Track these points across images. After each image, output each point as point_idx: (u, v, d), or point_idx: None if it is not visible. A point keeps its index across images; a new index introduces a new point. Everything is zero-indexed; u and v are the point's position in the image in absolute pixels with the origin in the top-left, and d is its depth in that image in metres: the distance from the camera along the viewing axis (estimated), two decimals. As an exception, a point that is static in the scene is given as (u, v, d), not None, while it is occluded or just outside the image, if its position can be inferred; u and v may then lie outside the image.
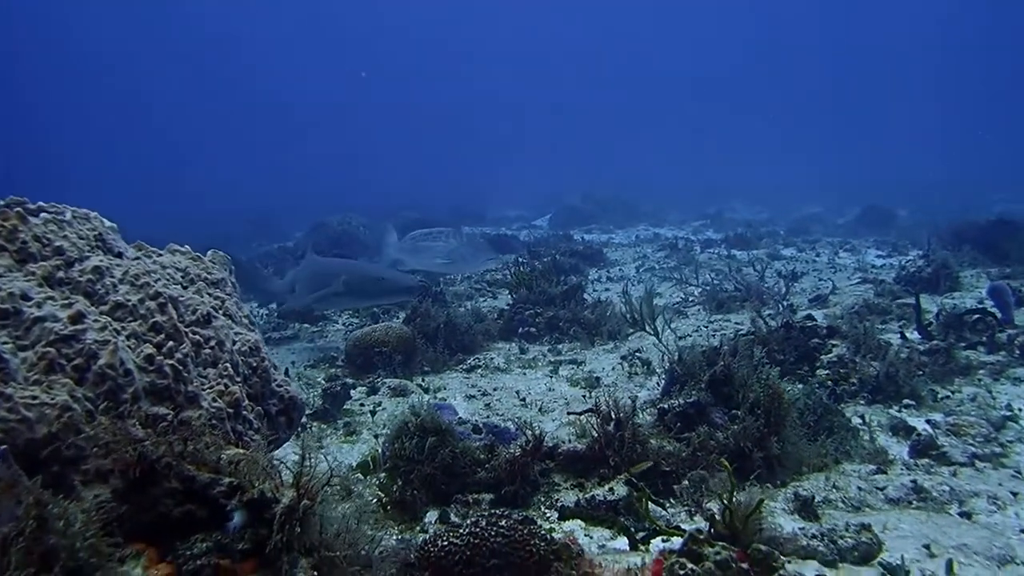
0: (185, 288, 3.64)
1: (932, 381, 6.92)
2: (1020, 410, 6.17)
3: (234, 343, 3.57)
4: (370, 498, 5.01)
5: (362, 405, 7.54)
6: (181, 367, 2.97)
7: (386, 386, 8.09)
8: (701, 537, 3.33)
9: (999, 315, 8.29)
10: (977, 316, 8.22)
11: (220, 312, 3.69)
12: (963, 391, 6.76)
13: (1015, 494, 4.65)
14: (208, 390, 3.09)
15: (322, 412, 7.19)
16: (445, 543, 3.59)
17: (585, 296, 11.25)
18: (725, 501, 3.66)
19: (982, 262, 12.80)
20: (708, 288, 11.70)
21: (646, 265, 16.91)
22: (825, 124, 75.68)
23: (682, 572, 3.09)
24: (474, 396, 7.77)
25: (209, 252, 4.12)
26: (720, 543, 3.33)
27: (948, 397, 6.59)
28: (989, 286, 9.19)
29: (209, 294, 3.75)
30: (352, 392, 7.82)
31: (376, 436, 6.58)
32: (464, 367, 8.96)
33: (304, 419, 7.08)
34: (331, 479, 3.01)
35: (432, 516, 4.68)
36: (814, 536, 3.80)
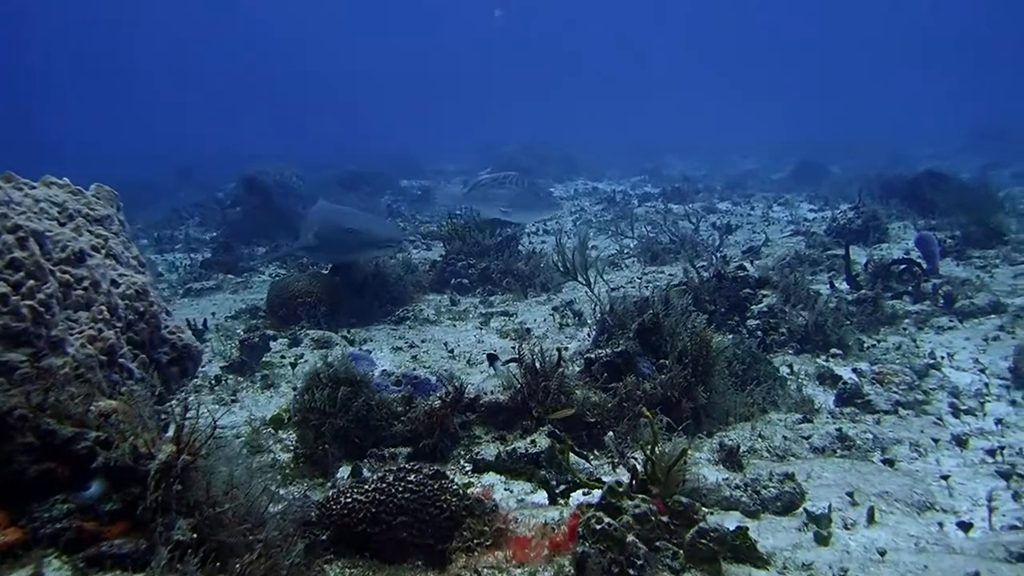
0: (63, 225, 3.28)
1: (859, 331, 6.92)
2: (942, 358, 6.20)
3: (116, 285, 3.24)
4: (277, 452, 4.77)
5: (283, 357, 7.22)
6: (43, 309, 2.65)
7: (309, 338, 7.77)
8: (620, 490, 3.17)
9: (925, 265, 8.35)
10: (904, 266, 8.27)
11: (102, 251, 3.34)
12: (889, 340, 6.78)
13: (936, 440, 4.64)
14: (77, 335, 2.77)
15: (239, 364, 6.85)
16: (349, 500, 3.37)
17: (520, 248, 11.02)
18: (647, 452, 3.51)
19: (909, 214, 12.95)
20: (643, 240, 11.58)
21: (583, 218, 16.75)
22: (772, 81, 76.14)
23: (598, 527, 2.93)
24: (401, 348, 7.52)
25: (93, 186, 3.74)
26: (640, 496, 3.18)
27: (874, 346, 6.59)
28: (916, 237, 9.26)
29: (90, 231, 3.39)
30: (272, 344, 7.48)
31: (295, 389, 6.29)
32: (393, 319, 8.69)
33: (219, 370, 6.76)
34: (215, 431, 2.73)
35: (345, 472, 4.44)
36: (737, 487, 3.70)
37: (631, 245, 12.16)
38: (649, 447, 3.53)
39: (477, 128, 51.75)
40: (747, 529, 3.02)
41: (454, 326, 8.35)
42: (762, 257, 10.33)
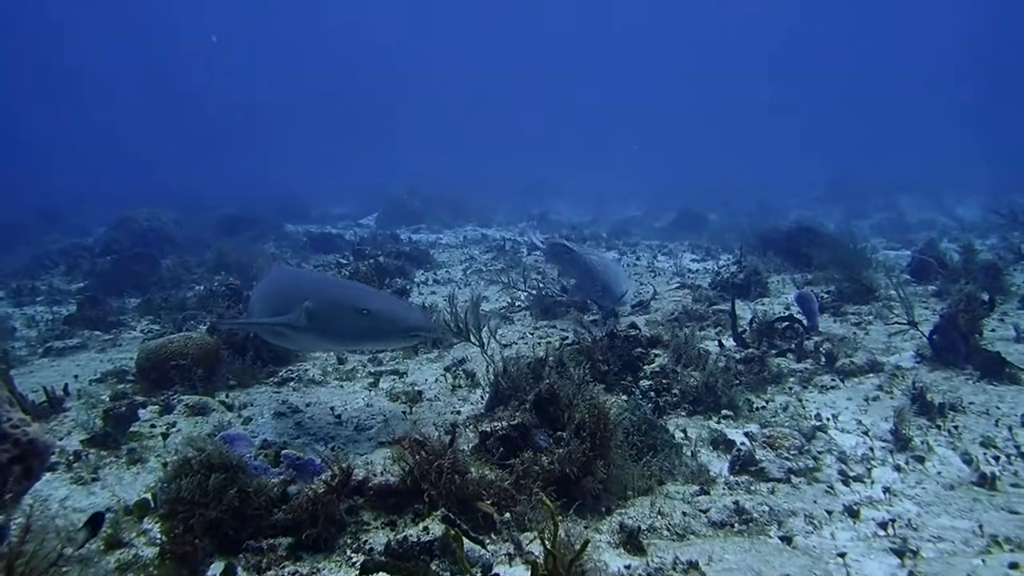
0: None
1: (748, 390, 7.01)
2: (828, 420, 6.33)
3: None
4: (140, 547, 4.32)
5: (153, 427, 6.68)
6: None
7: (183, 404, 7.23)
8: (521, 595, 2.96)
9: (805, 322, 8.62)
10: (786, 323, 8.51)
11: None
12: (776, 400, 6.89)
13: (829, 512, 4.66)
14: None
15: (103, 436, 6.27)
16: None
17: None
18: (547, 546, 3.33)
19: (787, 268, 13.49)
20: (534, 292, 11.54)
21: (473, 267, 16.65)
22: (650, 132, 79.16)
23: (500, 640, 2.71)
24: (284, 413, 7.11)
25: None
26: (542, 600, 2.98)
27: (763, 407, 6.68)
28: (796, 294, 9.57)
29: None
30: (141, 411, 6.92)
31: (165, 464, 5.78)
32: (275, 380, 8.24)
33: (79, 444, 6.16)
34: (61, 556, 2.36)
35: (216, 569, 4.04)
36: (641, 577, 3.55)
37: (522, 297, 12.10)
38: (549, 540, 3.35)
39: (363, 170, 51.29)
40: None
41: (341, 387, 7.99)
42: (651, 311, 10.46)
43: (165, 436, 6.44)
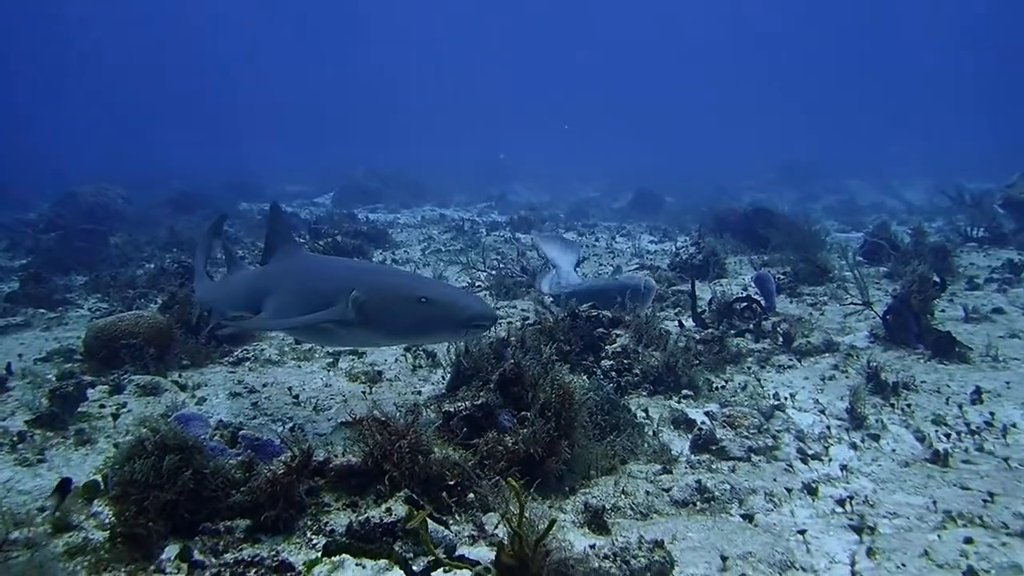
0: None
1: (708, 370, 7.07)
2: (786, 399, 6.41)
3: None
4: (90, 531, 4.19)
5: (102, 407, 6.49)
6: None
7: (134, 384, 7.04)
8: (489, 576, 2.93)
9: (763, 303, 8.71)
10: (745, 304, 8.59)
11: None
12: (735, 379, 6.96)
13: (789, 490, 4.71)
14: None
15: (49, 417, 6.07)
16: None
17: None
18: (513, 527, 3.30)
19: (743, 249, 13.65)
20: (495, 273, 11.48)
21: (432, 247, 16.52)
22: (609, 111, 79.37)
23: (468, 622, 2.68)
24: (239, 394, 6.98)
25: None
26: (510, 581, 2.95)
27: (723, 387, 6.74)
28: (754, 275, 9.68)
29: None
30: (90, 391, 6.73)
31: (116, 445, 5.62)
32: (231, 359, 8.07)
33: (24, 425, 5.96)
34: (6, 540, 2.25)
35: (171, 552, 3.93)
36: (606, 556, 3.54)
37: (482, 277, 12.03)
38: (515, 521, 3.32)
39: (319, 150, 50.49)
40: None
41: (299, 367, 7.87)
42: (611, 292, 10.47)
43: (115, 416, 6.27)
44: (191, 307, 8.50)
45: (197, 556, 3.94)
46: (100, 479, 4.80)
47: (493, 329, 5.75)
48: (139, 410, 6.45)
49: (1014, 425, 5.64)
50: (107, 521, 4.30)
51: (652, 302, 8.30)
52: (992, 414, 5.84)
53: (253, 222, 20.43)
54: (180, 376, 7.43)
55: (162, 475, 4.11)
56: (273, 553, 3.98)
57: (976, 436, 5.47)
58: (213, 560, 3.92)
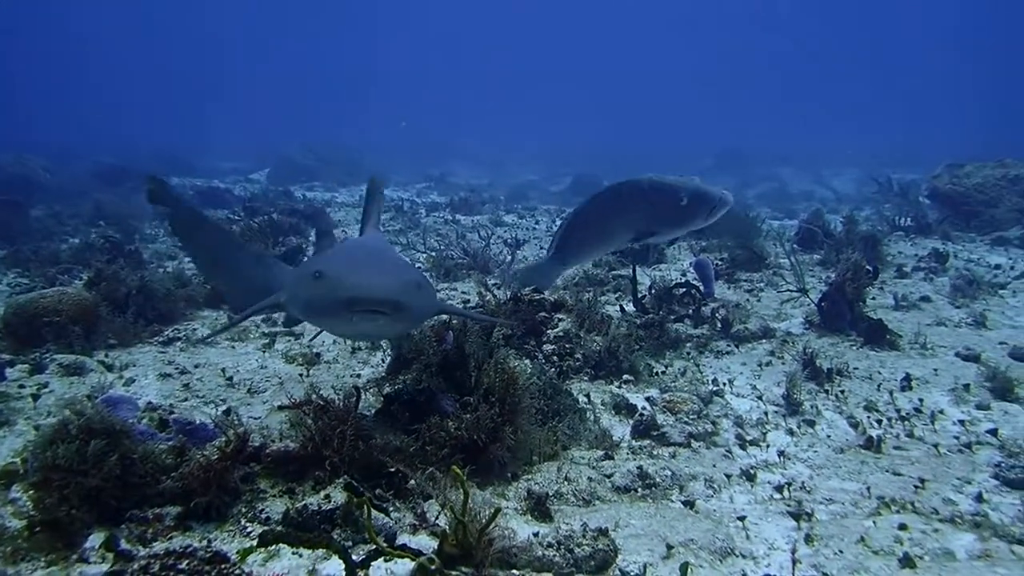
0: None
1: (648, 355, 7.11)
2: (724, 384, 6.49)
3: None
4: (6, 518, 3.98)
5: (21, 387, 6.19)
6: None
7: (56, 363, 6.74)
8: (432, 568, 2.86)
9: (702, 288, 8.80)
10: (684, 290, 8.66)
11: None
12: (675, 364, 7.02)
13: (728, 476, 4.76)
14: None
15: (-37, 398, 5.77)
16: (105, 597, 2.79)
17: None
18: (457, 515, 3.24)
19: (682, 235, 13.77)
20: (435, 254, 11.35)
21: (370, 226, 16.27)
22: (548, 96, 79.36)
23: (411, 615, 2.61)
24: (170, 375, 6.73)
25: None
26: (455, 572, 2.89)
27: (663, 372, 6.78)
28: (694, 261, 9.76)
29: None
30: (8, 371, 6.42)
31: (37, 428, 5.36)
32: (161, 339, 7.80)
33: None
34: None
35: (96, 540, 3.76)
36: (550, 544, 3.52)
37: (421, 259, 11.89)
38: (459, 510, 3.27)
39: (254, 127, 49.17)
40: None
41: (233, 348, 7.64)
42: (552, 276, 10.46)
43: (35, 397, 5.99)
44: (119, 284, 8.17)
45: (124, 545, 3.78)
46: (19, 463, 4.57)
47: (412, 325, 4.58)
48: (62, 391, 6.18)
49: (942, 411, 5.82)
50: (26, 508, 4.08)
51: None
52: (921, 400, 6.02)
53: (184, 197, 19.79)
54: (107, 356, 7.14)
55: (87, 460, 3.92)
56: (205, 543, 3.85)
57: (906, 422, 5.62)
58: (141, 549, 3.78)
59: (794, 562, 3.50)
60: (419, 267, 11.34)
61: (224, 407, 5.89)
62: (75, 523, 3.83)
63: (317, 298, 4.12)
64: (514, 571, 3.42)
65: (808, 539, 3.85)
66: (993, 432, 5.32)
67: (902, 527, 3.87)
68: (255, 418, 5.57)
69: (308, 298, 4.25)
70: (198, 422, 4.66)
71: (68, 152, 27.00)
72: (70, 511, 3.84)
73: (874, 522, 4.00)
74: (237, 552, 3.68)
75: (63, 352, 7.02)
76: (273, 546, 3.62)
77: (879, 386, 6.40)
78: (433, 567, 2.89)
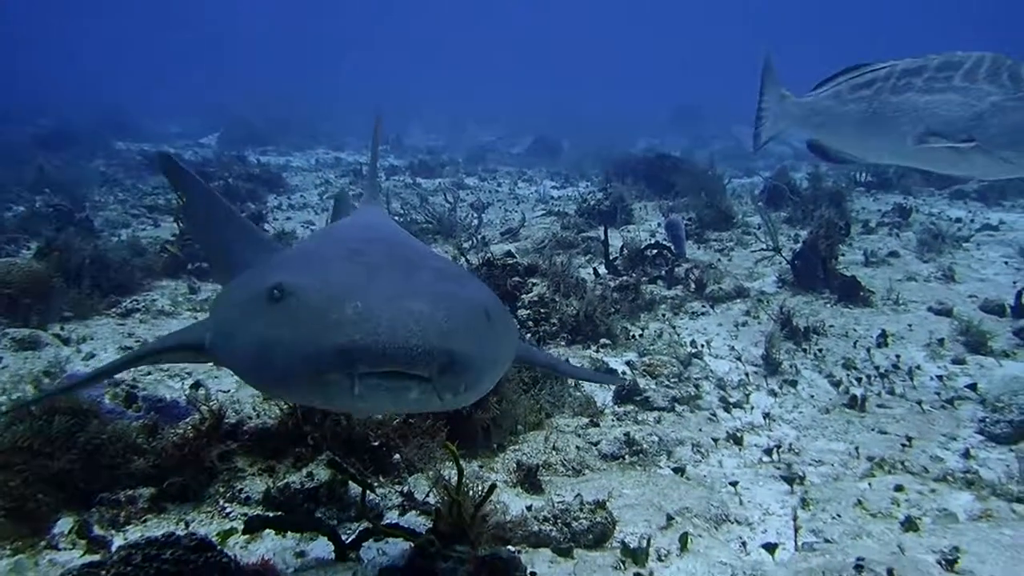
0: None
1: (624, 318, 7.01)
2: (702, 346, 6.43)
3: None
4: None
5: (-29, 364, 5.89)
6: None
7: (8, 338, 6.41)
8: (432, 550, 2.73)
9: (673, 249, 8.71)
10: (655, 251, 8.58)
11: None
12: (651, 327, 6.93)
13: (715, 440, 4.71)
14: None
15: (-90, 377, 5.44)
16: (80, 593, 2.61)
17: (267, 226, 10.09)
18: (452, 493, 3.11)
19: (647, 195, 13.68)
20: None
21: (330, 191, 15.86)
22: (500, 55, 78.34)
23: (413, 602, 2.49)
24: (131, 348, 6.45)
25: None
26: (454, 554, 2.77)
27: (640, 335, 6.70)
28: (666, 221, 9.66)
29: None
30: (-44, 348, 6.10)
31: (-7, 409, 5.08)
32: (119, 311, 7.47)
33: None
34: None
35: (65, 525, 3.56)
36: (546, 519, 3.41)
37: (385, 224, 11.61)
38: (453, 489, 3.13)
39: (199, 85, 47.56)
40: (573, 583, 2.73)
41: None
42: (520, 239, 10.31)
43: (-12, 375, 5.69)
44: (72, 253, 7.82)
45: (96, 531, 3.59)
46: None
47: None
48: (16, 367, 5.87)
49: (919, 367, 5.83)
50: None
51: None
52: (898, 357, 6.03)
53: (132, 163, 19.07)
54: (62, 329, 6.81)
55: (52, 441, 3.71)
56: (182, 523, 3.70)
57: (886, 379, 5.62)
58: (114, 534, 3.61)
59: (796, 528, 3.45)
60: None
61: (191, 380, 5.66)
62: (41, 508, 3.63)
63: (274, 343, 2.09)
64: (509, 547, 3.31)
65: (804, 503, 3.81)
66: (972, 387, 5.34)
67: (898, 488, 3.85)
68: (224, 391, 5.35)
69: (256, 341, 2.18)
70: (168, 399, 4.47)
71: (2, 115, 25.81)
72: (36, 496, 3.63)
73: (869, 484, 3.97)
74: (217, 535, 3.52)
75: (15, 326, 6.69)
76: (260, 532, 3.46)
77: (855, 343, 6.40)
78: (433, 548, 2.75)
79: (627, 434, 4.61)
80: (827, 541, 3.40)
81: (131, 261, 8.40)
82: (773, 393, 5.48)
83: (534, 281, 7.04)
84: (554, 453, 4.35)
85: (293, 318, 2.06)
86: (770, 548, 3.32)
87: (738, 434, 4.76)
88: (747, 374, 5.81)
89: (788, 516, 3.69)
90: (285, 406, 4.15)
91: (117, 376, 5.65)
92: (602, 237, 8.99)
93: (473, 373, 2.07)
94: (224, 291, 2.93)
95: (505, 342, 2.47)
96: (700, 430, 4.86)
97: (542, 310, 6.71)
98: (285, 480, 3.88)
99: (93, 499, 3.76)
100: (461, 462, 3.17)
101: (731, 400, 5.33)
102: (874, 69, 4.89)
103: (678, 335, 6.71)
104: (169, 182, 3.98)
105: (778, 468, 4.30)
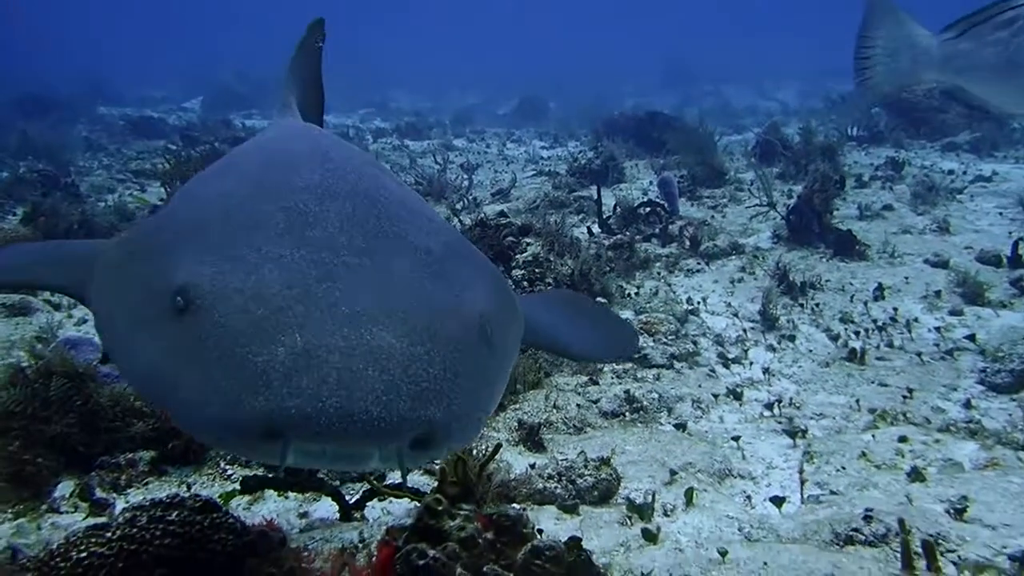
0: None
1: (619, 277, 6.97)
2: (698, 303, 6.40)
3: None
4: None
5: (-39, 332, 5.80)
6: None
7: (-1, 304, 6.33)
8: (440, 509, 2.69)
9: (667, 206, 8.65)
10: (649, 209, 8.51)
11: None
12: (646, 285, 6.90)
13: (715, 396, 4.70)
14: None
15: None
16: (83, 555, 2.55)
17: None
18: (457, 451, 3.07)
19: (638, 153, 13.55)
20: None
21: (317, 154, 15.67)
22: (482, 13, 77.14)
23: (421, 562, 2.45)
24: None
25: None
26: (463, 513, 2.73)
27: (635, 293, 6.65)
28: (659, 178, 9.58)
29: None
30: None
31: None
32: (109, 275, 7.37)
33: None
34: None
35: (65, 489, 3.53)
36: (551, 477, 3.39)
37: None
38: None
39: (180, 49, 46.78)
40: (579, 540, 2.70)
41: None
42: (512, 199, 10.21)
43: (-21, 341, 5.61)
44: (59, 218, 7.72)
45: (99, 494, 3.57)
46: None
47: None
48: (7, 333, 5.80)
49: (916, 319, 5.82)
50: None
51: None
52: (895, 309, 6.01)
53: (115, 128, 18.78)
54: (52, 295, 6.73)
55: (49, 405, 3.67)
56: (183, 486, 3.69)
57: (884, 332, 5.61)
58: (116, 496, 3.59)
59: (802, 482, 3.44)
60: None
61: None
62: (42, 472, 3.60)
63: (177, 377, 1.47)
64: (515, 505, 3.29)
65: (808, 456, 3.80)
66: (971, 338, 5.33)
67: (902, 439, 3.84)
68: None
69: (154, 370, 1.56)
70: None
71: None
72: (35, 459, 3.60)
73: (872, 436, 3.96)
74: (220, 496, 3.50)
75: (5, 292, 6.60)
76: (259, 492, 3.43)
77: (852, 297, 6.38)
78: (440, 507, 2.72)
79: (627, 391, 4.60)
80: (833, 493, 3.39)
81: (118, 226, 8.29)
82: (771, 348, 5.46)
83: (528, 241, 6.97)
84: (555, 411, 4.33)
85: (202, 346, 1.42)
86: (777, 501, 3.31)
87: (738, 389, 4.75)
88: (744, 330, 5.78)
89: (791, 470, 3.69)
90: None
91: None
92: (594, 196, 8.92)
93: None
94: (107, 258, 2.00)
95: (509, 350, 1.99)
96: (700, 386, 4.84)
97: (536, 270, 6.64)
98: (285, 441, 3.84)
99: (93, 463, 3.76)
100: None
101: (729, 356, 5.31)
102: (1016, 5, 3.95)
103: (674, 292, 6.68)
104: None
105: (779, 422, 4.29)
